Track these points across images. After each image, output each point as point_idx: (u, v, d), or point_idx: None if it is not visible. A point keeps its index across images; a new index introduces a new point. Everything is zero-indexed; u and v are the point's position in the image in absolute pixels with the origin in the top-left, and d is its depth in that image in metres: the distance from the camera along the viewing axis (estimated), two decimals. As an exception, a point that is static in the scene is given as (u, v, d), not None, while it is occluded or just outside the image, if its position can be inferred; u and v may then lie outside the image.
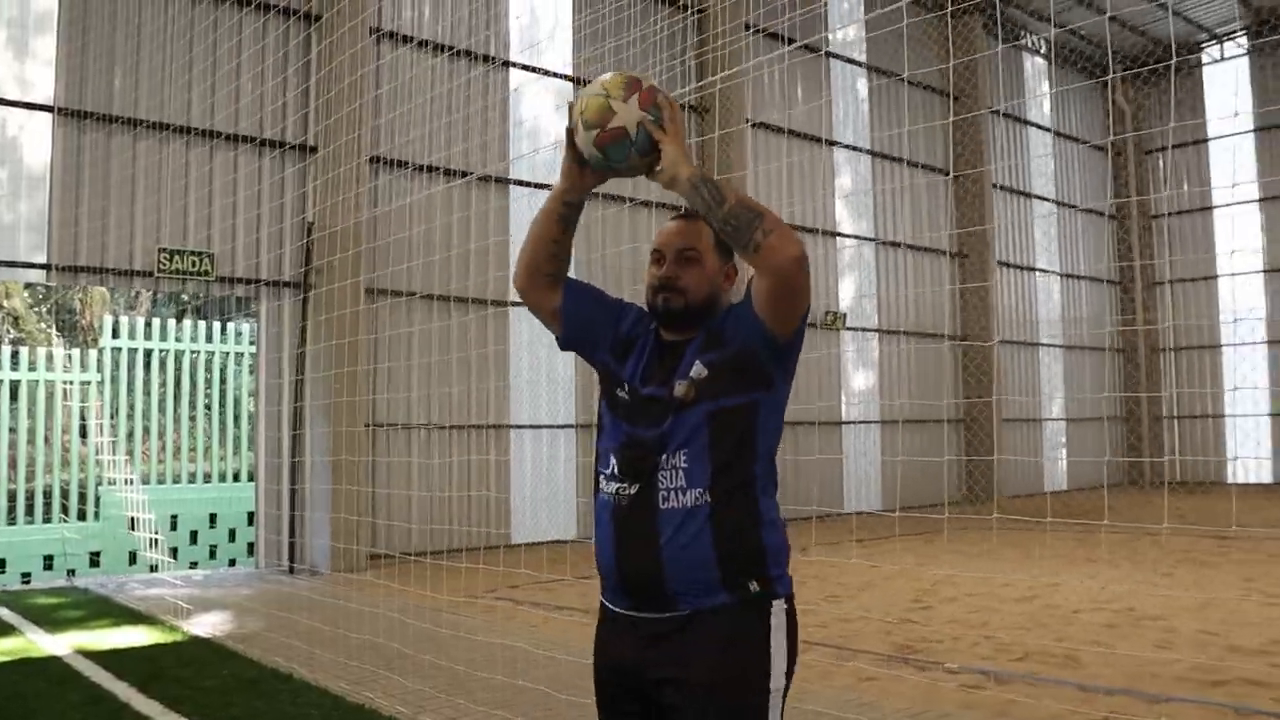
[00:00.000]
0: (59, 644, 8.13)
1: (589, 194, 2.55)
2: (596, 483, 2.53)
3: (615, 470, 2.45)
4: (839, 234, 18.80)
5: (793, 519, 14.72)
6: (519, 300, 13.74)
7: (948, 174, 20.58)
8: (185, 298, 23.06)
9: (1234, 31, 24.33)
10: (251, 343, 16.09)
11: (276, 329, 12.90)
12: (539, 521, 14.41)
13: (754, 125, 16.90)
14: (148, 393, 16.49)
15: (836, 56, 18.90)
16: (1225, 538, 13.93)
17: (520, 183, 14.46)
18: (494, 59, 14.44)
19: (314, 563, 12.37)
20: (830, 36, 18.88)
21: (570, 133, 2.41)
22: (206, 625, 8.89)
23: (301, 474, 12.58)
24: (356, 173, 12.47)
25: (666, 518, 2.35)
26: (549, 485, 14.66)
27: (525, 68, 14.86)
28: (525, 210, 14.22)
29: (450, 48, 13.92)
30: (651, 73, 15.03)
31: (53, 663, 7.44)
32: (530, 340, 14.38)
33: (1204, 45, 24.84)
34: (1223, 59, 24.66)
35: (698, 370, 2.39)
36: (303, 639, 7.92)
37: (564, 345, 2.71)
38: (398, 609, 8.87)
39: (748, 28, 16.40)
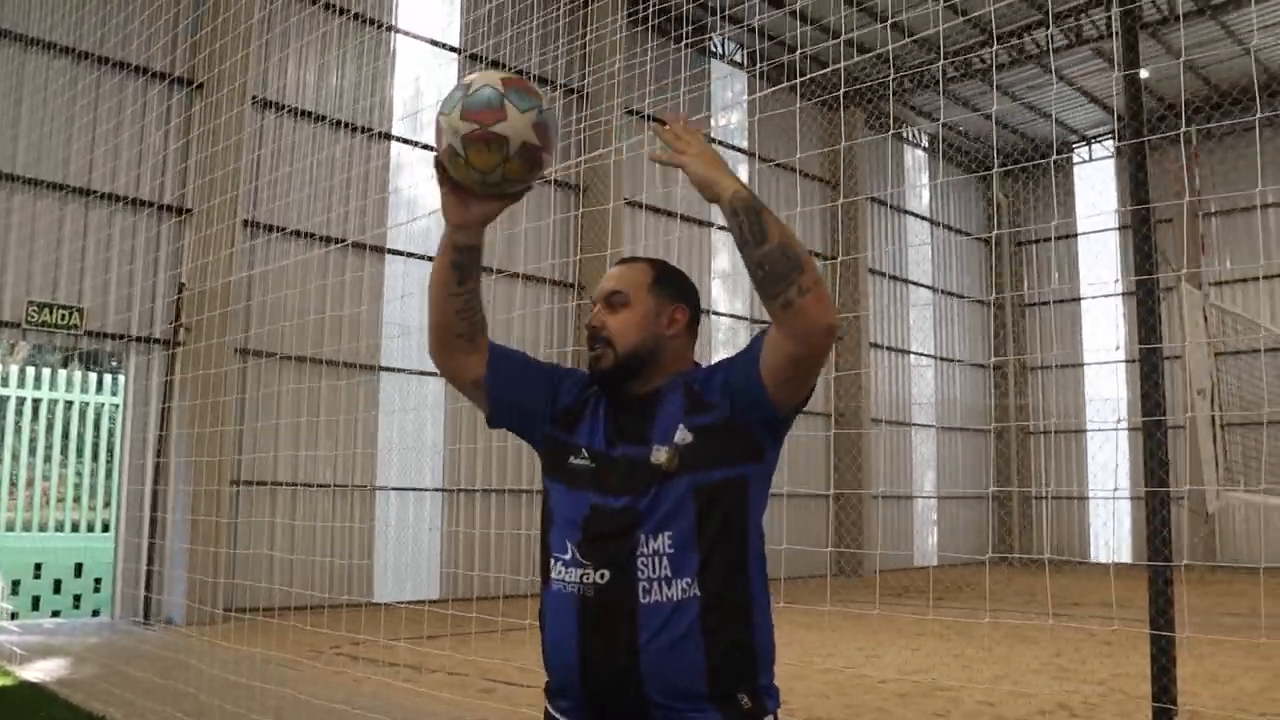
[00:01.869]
0: (-117, 688, 8.28)
1: (482, 234, 2.28)
2: (545, 571, 2.20)
3: (576, 554, 2.12)
4: (715, 313, 19.52)
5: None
6: (389, 366, 14.06)
7: (827, 258, 21.49)
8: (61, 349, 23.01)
9: (1102, 135, 25.81)
10: (126, 395, 16.24)
11: (145, 384, 13.17)
12: (401, 582, 14.71)
13: (632, 204, 17.58)
14: (16, 439, 16.51)
15: (718, 142, 19.74)
16: (1056, 615, 14.68)
17: (395, 251, 14.95)
18: (373, 130, 14.97)
19: (170, 616, 12.54)
20: (713, 121, 19.74)
21: (438, 161, 2.19)
22: (39, 671, 9.09)
23: (162, 529, 12.78)
24: (230, 234, 12.86)
25: (649, 613, 2.04)
26: (414, 546, 14.98)
27: (406, 141, 15.42)
28: (399, 277, 14.71)
29: (330, 118, 14.43)
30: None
31: None
32: (399, 406, 14.79)
33: (1075, 146, 26.30)
34: (1090, 160, 26.11)
35: (682, 436, 2.11)
36: (128, 688, 8.18)
37: (493, 422, 2.42)
38: (232, 663, 9.15)
39: (630, 112, 17.15)
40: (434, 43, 15.95)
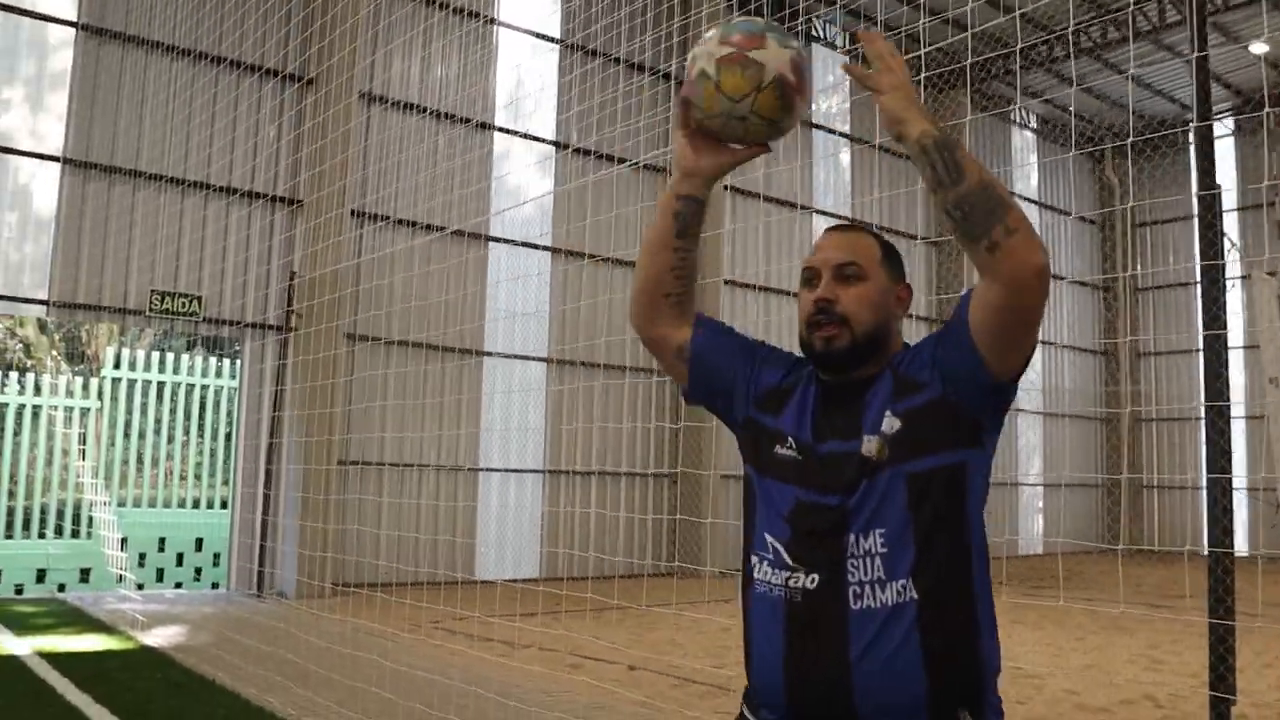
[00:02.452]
0: (22, 646, 8.95)
1: (709, 189, 2.18)
2: (748, 570, 2.05)
3: (783, 555, 1.97)
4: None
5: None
6: (492, 350, 14.47)
7: (927, 239, 21.31)
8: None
9: (1222, 112, 25.03)
10: (244, 378, 17.03)
11: (259, 367, 13.80)
12: (503, 560, 15.16)
13: (731, 189, 17.71)
14: (144, 420, 17.43)
15: (818, 127, 19.73)
16: (1157, 606, 14.46)
17: (497, 239, 15.36)
18: (476, 120, 15.37)
19: (282, 589, 13.17)
20: (813, 107, 19.73)
21: (684, 98, 2.10)
22: (158, 637, 9.70)
23: (275, 506, 13.40)
24: (339, 223, 13.38)
25: (860, 621, 1.88)
26: (515, 526, 15.41)
27: (507, 131, 15.80)
28: (502, 263, 15.13)
29: (433, 109, 14.87)
30: (634, 140, 15.90)
31: (9, 661, 8.26)
32: (502, 388, 15.23)
33: (1191, 124, 25.53)
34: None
35: (889, 423, 1.95)
36: (237, 654, 8.70)
37: (690, 397, 2.28)
38: (335, 634, 9.62)
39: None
40: (535, 34, 16.28)
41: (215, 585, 16.26)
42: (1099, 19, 20.02)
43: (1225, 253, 4.96)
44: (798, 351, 2.16)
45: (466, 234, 14.74)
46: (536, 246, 15.62)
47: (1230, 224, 24.46)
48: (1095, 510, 25.13)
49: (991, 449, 2.00)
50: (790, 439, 2.04)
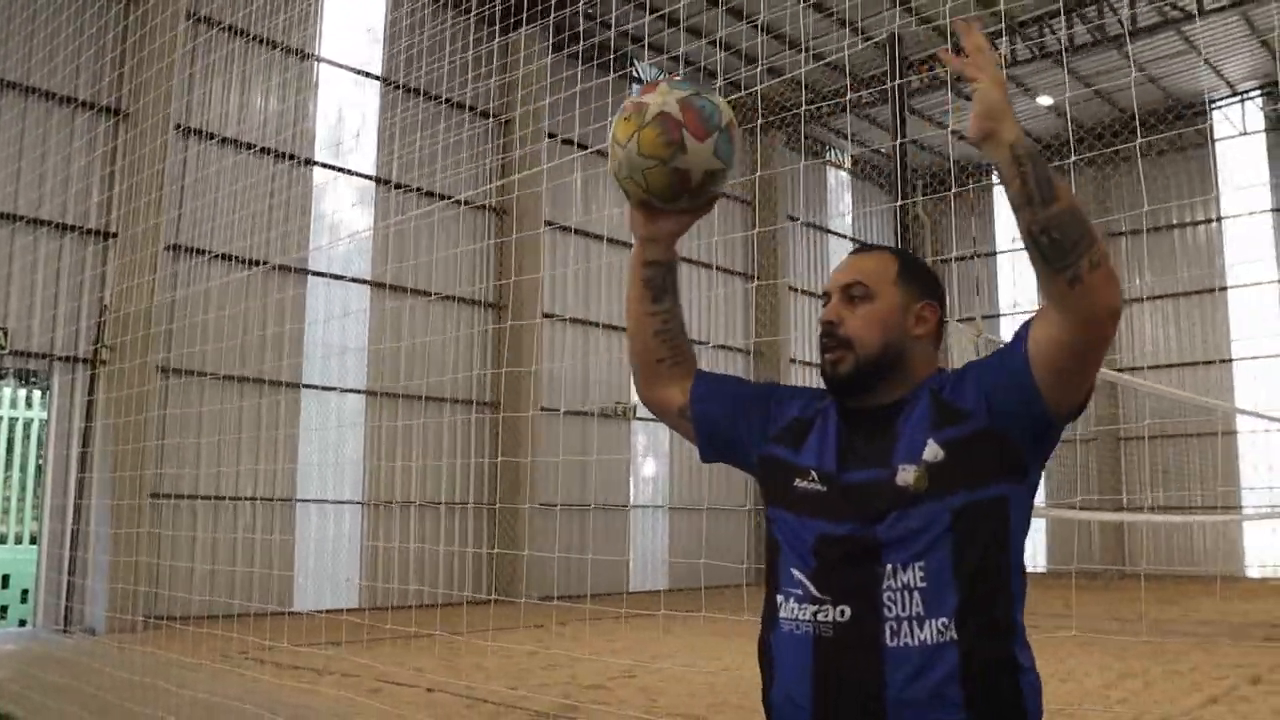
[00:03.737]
0: None
1: (672, 250, 2.16)
2: (772, 609, 1.94)
3: (810, 587, 1.86)
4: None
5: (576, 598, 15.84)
6: (311, 383, 14.62)
7: (748, 278, 22.28)
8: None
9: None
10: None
11: (68, 401, 13.69)
12: (321, 591, 15.29)
13: (551, 226, 18.26)
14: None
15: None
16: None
17: (318, 273, 15.56)
18: (297, 157, 15.57)
19: (91, 624, 13.05)
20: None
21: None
22: (-47, 677, 9.61)
23: (84, 541, 13.29)
24: (154, 258, 13.42)
25: (896, 659, 1.77)
26: (333, 557, 15.56)
27: (328, 166, 16.04)
28: (322, 299, 15.35)
29: (255, 145, 15.02)
30: (455, 174, 16.32)
31: None
32: (319, 424, 15.41)
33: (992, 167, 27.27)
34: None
35: (932, 451, 1.84)
36: (37, 689, 8.74)
37: (705, 456, 2.21)
38: (140, 667, 9.68)
39: (552, 136, 17.82)
40: (357, 71, 16.57)
41: (23, 623, 15.90)
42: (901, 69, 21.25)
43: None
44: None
45: (285, 269, 14.91)
46: (356, 280, 15.87)
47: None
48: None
49: (1035, 483, 1.91)
50: (812, 471, 1.94)
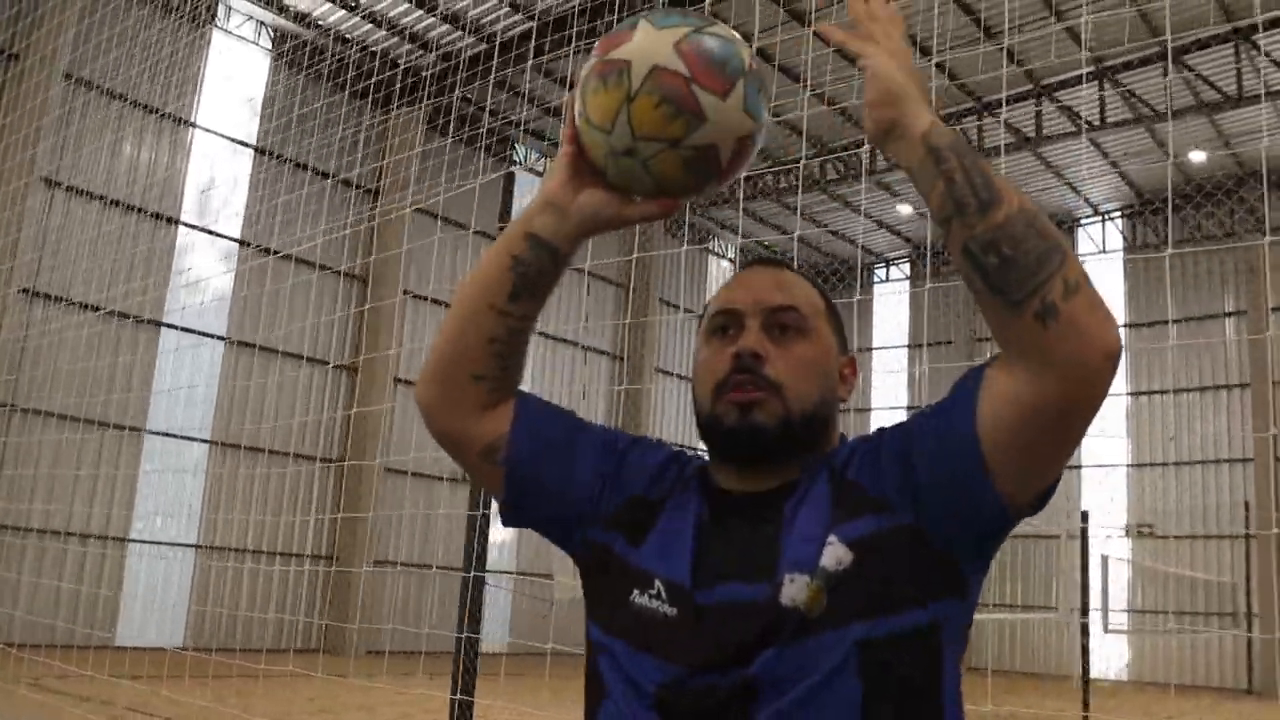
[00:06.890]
0: None
1: (572, 240, 1.46)
2: None
3: None
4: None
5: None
6: (154, 429, 15.45)
7: (617, 357, 23.28)
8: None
9: (900, 258, 28.16)
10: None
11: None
12: (146, 628, 15.89)
13: (409, 295, 19.17)
14: None
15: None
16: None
17: (171, 326, 16.39)
18: (161, 215, 16.43)
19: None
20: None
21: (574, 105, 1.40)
22: None
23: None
24: (3, 300, 14.18)
25: None
26: (162, 596, 16.19)
27: (193, 226, 16.95)
28: (173, 350, 16.17)
29: (120, 200, 15.85)
30: (319, 240, 17.24)
31: None
32: (160, 466, 16.15)
33: (876, 266, 28.64)
34: (887, 280, 28.47)
35: (834, 556, 1.29)
36: None
37: (507, 518, 1.56)
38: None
39: (420, 211, 18.75)
40: (232, 139, 17.55)
41: None
42: (773, 170, 22.49)
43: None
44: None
45: (139, 319, 15.68)
46: (210, 336, 16.68)
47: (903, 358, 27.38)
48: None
49: (974, 601, 1.38)
50: (657, 580, 1.37)
